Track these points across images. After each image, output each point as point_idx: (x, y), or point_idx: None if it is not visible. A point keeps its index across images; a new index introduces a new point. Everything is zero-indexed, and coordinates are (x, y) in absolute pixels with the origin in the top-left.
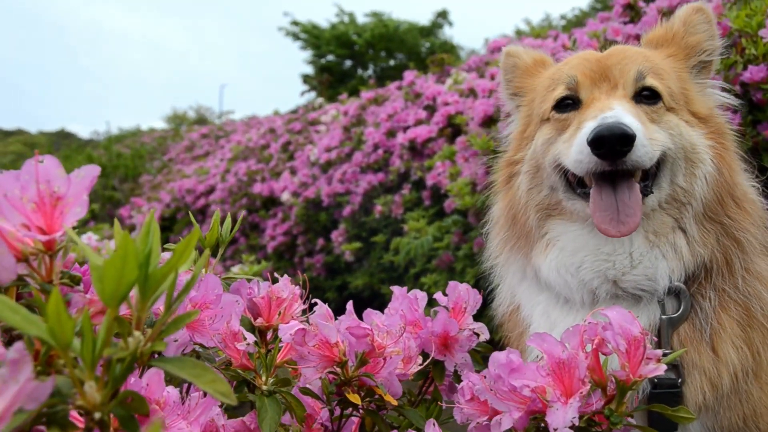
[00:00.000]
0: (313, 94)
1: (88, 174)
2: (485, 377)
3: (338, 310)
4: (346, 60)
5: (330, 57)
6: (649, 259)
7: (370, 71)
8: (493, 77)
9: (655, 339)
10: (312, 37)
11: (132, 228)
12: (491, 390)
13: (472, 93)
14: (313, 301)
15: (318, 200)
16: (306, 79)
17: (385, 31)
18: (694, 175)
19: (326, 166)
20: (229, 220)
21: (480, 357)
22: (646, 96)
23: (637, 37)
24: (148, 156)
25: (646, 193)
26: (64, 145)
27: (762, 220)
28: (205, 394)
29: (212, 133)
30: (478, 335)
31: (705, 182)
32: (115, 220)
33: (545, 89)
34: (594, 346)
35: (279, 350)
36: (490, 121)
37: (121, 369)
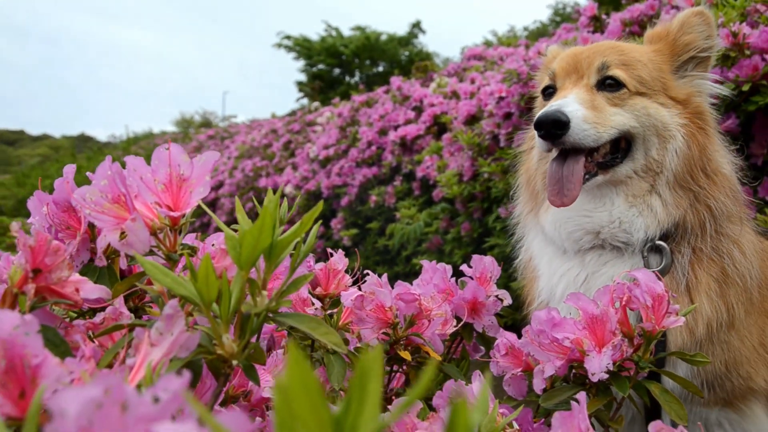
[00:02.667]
0: (306, 99)
1: (209, 159)
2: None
3: None
4: (335, 68)
5: (320, 66)
6: (626, 216)
7: (356, 78)
8: (473, 81)
9: (674, 295)
10: (304, 49)
11: None
12: (535, 342)
13: (455, 95)
14: (365, 272)
15: (318, 192)
16: (301, 86)
17: (368, 43)
18: (666, 149)
19: (325, 161)
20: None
21: (502, 321)
22: (609, 84)
23: None
24: None
25: (614, 164)
26: (84, 148)
27: (732, 192)
28: (285, 353)
29: (218, 135)
30: (501, 301)
31: (675, 155)
32: (269, 191)
33: (542, 78)
34: (623, 303)
35: (340, 314)
36: (473, 120)
37: (257, 323)
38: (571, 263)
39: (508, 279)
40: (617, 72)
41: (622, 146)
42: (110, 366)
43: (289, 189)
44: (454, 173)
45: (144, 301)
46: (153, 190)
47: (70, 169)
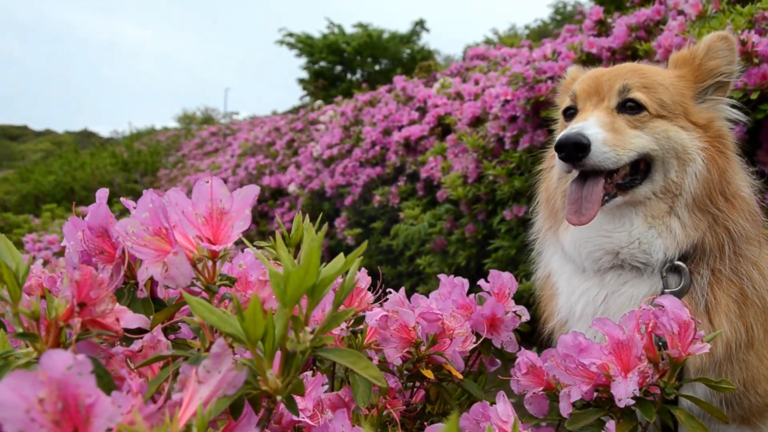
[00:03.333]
0: (308, 97)
1: (249, 192)
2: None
3: None
4: (336, 66)
5: (322, 63)
6: (645, 236)
7: (358, 75)
8: (477, 82)
9: (699, 322)
10: (306, 46)
11: None
12: (561, 366)
13: (459, 96)
14: (387, 290)
15: (322, 191)
16: (304, 85)
17: (370, 40)
18: (685, 172)
19: (328, 161)
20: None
21: (518, 335)
22: (630, 107)
23: (611, 50)
24: (164, 152)
25: (633, 185)
26: (87, 143)
27: (751, 214)
28: (314, 374)
29: (220, 132)
30: (519, 317)
31: (695, 178)
32: (309, 228)
33: (563, 99)
34: (648, 329)
35: (364, 334)
36: (477, 122)
37: (302, 360)
38: (591, 282)
39: None
40: (638, 95)
41: (641, 168)
42: (154, 399)
43: (292, 188)
44: (459, 175)
45: (172, 320)
46: (194, 224)
47: (102, 194)
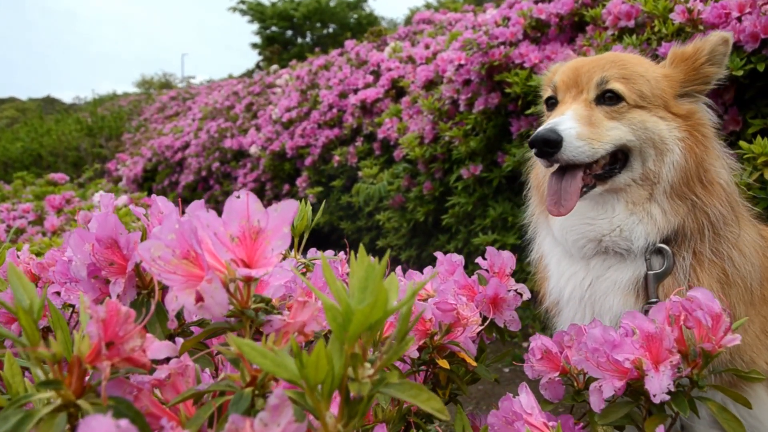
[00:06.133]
0: (263, 61)
1: (288, 209)
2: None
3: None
4: (287, 30)
5: (274, 28)
6: (626, 223)
7: (308, 39)
8: (427, 46)
9: (730, 313)
10: (257, 12)
11: (119, 179)
12: (592, 361)
13: (410, 60)
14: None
15: (283, 152)
16: (260, 50)
17: (318, 6)
18: (663, 161)
19: (288, 123)
20: (309, 206)
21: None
22: (608, 98)
23: (558, 16)
24: (126, 117)
25: (612, 174)
26: (50, 109)
27: (729, 200)
28: None
29: (179, 96)
30: (521, 295)
31: (672, 168)
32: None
33: (545, 90)
34: (679, 321)
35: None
36: (431, 84)
37: (369, 404)
38: (577, 266)
39: (469, 234)
40: (616, 85)
41: (619, 157)
42: None
43: (254, 149)
44: (416, 136)
45: (184, 324)
46: (227, 246)
47: (108, 200)
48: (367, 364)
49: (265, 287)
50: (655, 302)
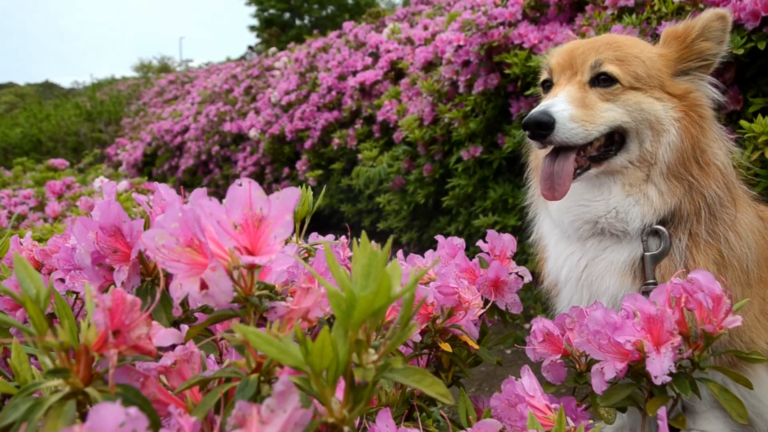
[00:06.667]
0: (262, 44)
1: (289, 196)
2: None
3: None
4: (285, 12)
5: (271, 10)
6: (623, 205)
7: (306, 21)
8: (426, 27)
9: (731, 295)
10: None
11: (118, 164)
12: (594, 343)
13: (409, 41)
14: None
15: (282, 135)
16: (258, 33)
17: None
18: (659, 142)
19: (287, 106)
20: (311, 192)
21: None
22: (603, 80)
23: None
24: (125, 102)
25: (607, 156)
26: (49, 95)
27: (726, 181)
28: None
29: (178, 80)
30: (522, 278)
31: (669, 148)
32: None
33: (542, 73)
34: (680, 304)
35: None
36: (430, 66)
37: (374, 390)
38: (574, 247)
39: (469, 216)
40: (610, 68)
41: (615, 139)
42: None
43: (253, 133)
44: (415, 118)
45: (188, 310)
46: (230, 234)
47: (110, 188)
48: (371, 350)
49: (268, 273)
50: (652, 283)
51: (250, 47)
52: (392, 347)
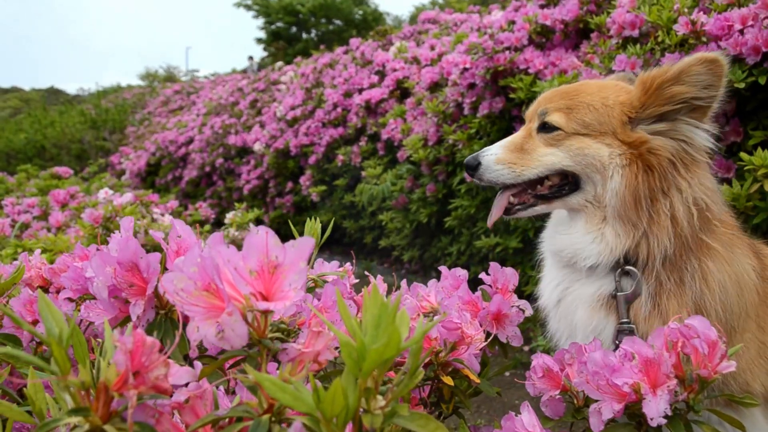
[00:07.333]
0: (268, 57)
1: (304, 245)
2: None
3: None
4: (292, 26)
5: (279, 24)
6: (582, 241)
7: (312, 35)
8: (432, 48)
9: (725, 341)
10: (263, 8)
11: (122, 173)
12: (592, 384)
13: (416, 61)
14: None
15: (287, 150)
16: (265, 47)
17: (325, 2)
18: (605, 187)
19: (292, 121)
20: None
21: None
22: (547, 127)
23: (563, 22)
24: (130, 110)
25: (559, 195)
26: (54, 101)
27: (685, 234)
28: None
29: (183, 90)
30: (523, 311)
31: (614, 194)
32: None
33: None
34: (678, 348)
35: None
36: (435, 87)
37: None
38: (555, 274)
39: (471, 237)
40: (553, 117)
41: (569, 180)
42: None
43: (258, 147)
44: (420, 137)
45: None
46: (247, 280)
47: (128, 223)
48: (379, 396)
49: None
50: (626, 322)
51: (251, 57)
52: (400, 394)
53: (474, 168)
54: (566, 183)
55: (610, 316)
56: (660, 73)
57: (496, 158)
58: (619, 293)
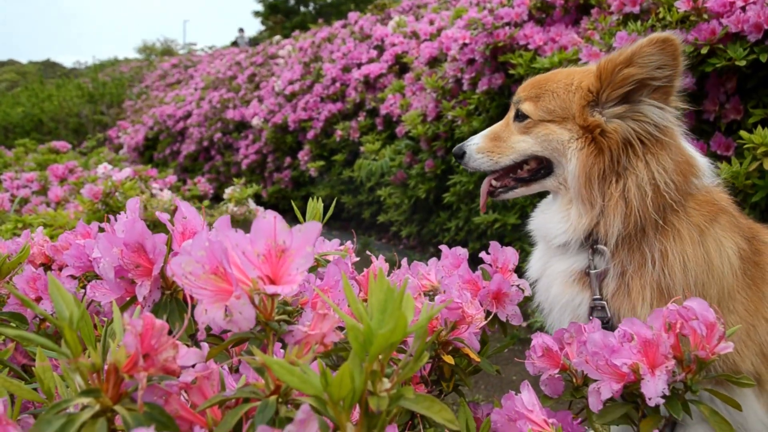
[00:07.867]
0: (265, 32)
1: (311, 230)
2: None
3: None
4: None
5: None
6: (553, 219)
7: (310, 8)
8: (431, 22)
9: (723, 322)
10: None
11: (120, 147)
12: (592, 364)
13: (415, 35)
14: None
15: (285, 125)
16: (263, 20)
17: None
18: (566, 169)
19: (290, 96)
20: (321, 205)
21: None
22: (520, 116)
23: None
24: (127, 84)
25: (535, 178)
26: (50, 73)
27: (640, 216)
28: None
29: (181, 63)
30: (522, 290)
31: (572, 176)
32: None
33: None
34: (675, 329)
35: None
36: (434, 62)
37: (388, 419)
38: (540, 250)
39: (469, 213)
40: (524, 105)
41: (544, 164)
42: None
43: (256, 121)
44: (419, 113)
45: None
46: (254, 263)
47: (134, 204)
48: (385, 379)
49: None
50: (598, 299)
51: (241, 30)
52: (405, 377)
53: (461, 156)
54: (542, 167)
55: (585, 292)
56: (614, 56)
57: (477, 147)
58: (591, 271)
